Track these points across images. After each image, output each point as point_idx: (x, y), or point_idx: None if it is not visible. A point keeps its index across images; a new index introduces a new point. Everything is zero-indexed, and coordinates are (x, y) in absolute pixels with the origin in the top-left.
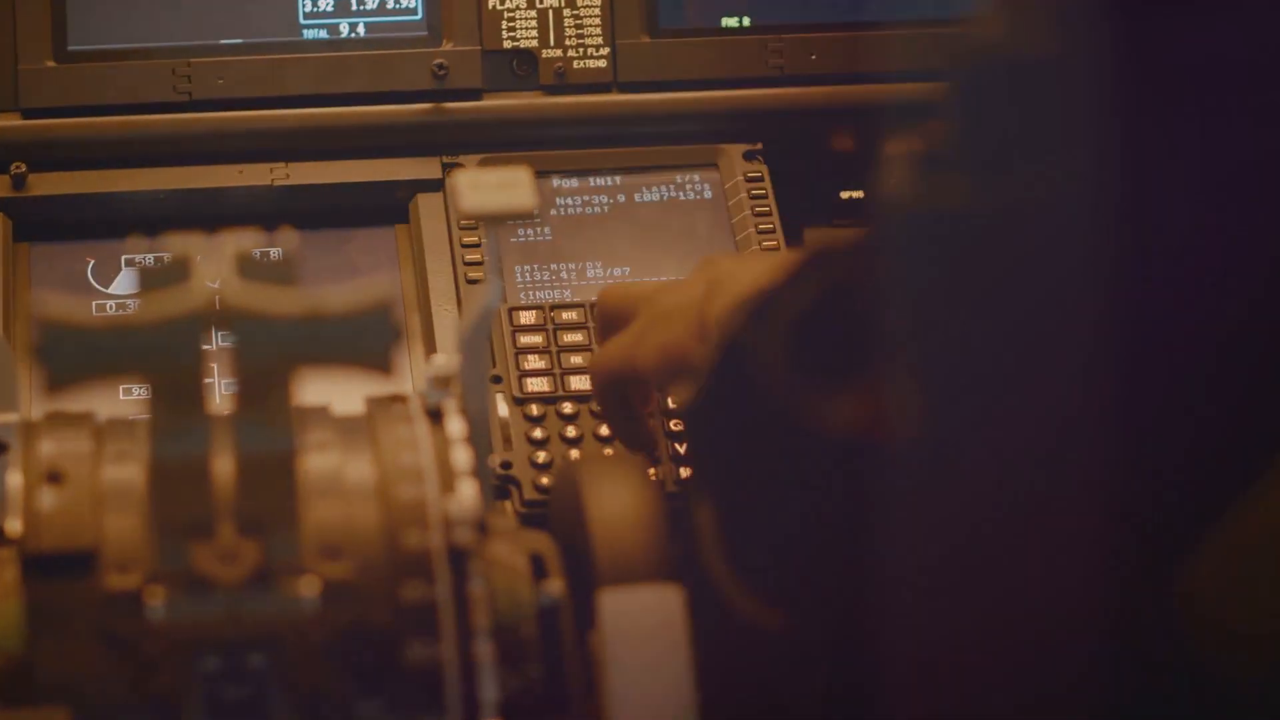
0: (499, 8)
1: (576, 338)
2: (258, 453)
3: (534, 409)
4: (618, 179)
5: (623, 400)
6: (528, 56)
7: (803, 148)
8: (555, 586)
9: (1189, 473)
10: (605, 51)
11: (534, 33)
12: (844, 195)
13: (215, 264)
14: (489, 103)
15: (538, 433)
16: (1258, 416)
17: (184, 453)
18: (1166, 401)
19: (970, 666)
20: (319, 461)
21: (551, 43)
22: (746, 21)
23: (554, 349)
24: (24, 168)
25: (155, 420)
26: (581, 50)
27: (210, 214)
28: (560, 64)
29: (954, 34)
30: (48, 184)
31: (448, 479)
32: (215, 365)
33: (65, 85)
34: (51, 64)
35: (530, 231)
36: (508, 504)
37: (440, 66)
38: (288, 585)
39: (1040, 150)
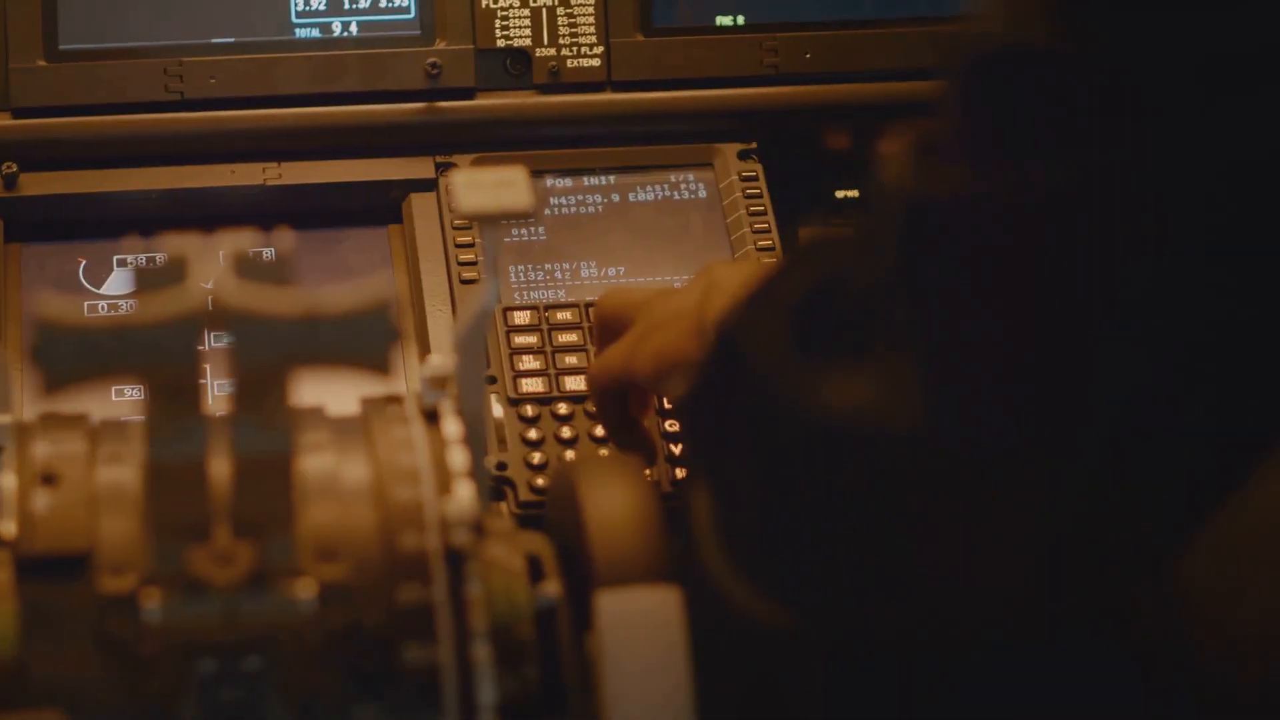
0: (492, 6)
1: (571, 338)
2: (254, 454)
3: (529, 410)
4: (612, 178)
5: (621, 407)
6: (521, 55)
7: (798, 147)
8: (552, 588)
9: (1186, 466)
10: (599, 50)
11: (527, 32)
12: (839, 194)
13: (211, 264)
14: (482, 102)
15: (533, 433)
16: (1254, 411)
17: (180, 454)
18: (1163, 394)
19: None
20: (315, 463)
21: (545, 42)
22: (740, 20)
23: (549, 349)
24: (15, 168)
25: (151, 421)
26: (575, 49)
27: (202, 214)
28: (554, 63)
29: (954, 26)
30: (39, 184)
31: (444, 480)
32: (210, 366)
33: (56, 85)
34: (42, 63)
35: (524, 231)
36: (503, 505)
37: (433, 65)
38: (284, 587)
39: (1039, 140)
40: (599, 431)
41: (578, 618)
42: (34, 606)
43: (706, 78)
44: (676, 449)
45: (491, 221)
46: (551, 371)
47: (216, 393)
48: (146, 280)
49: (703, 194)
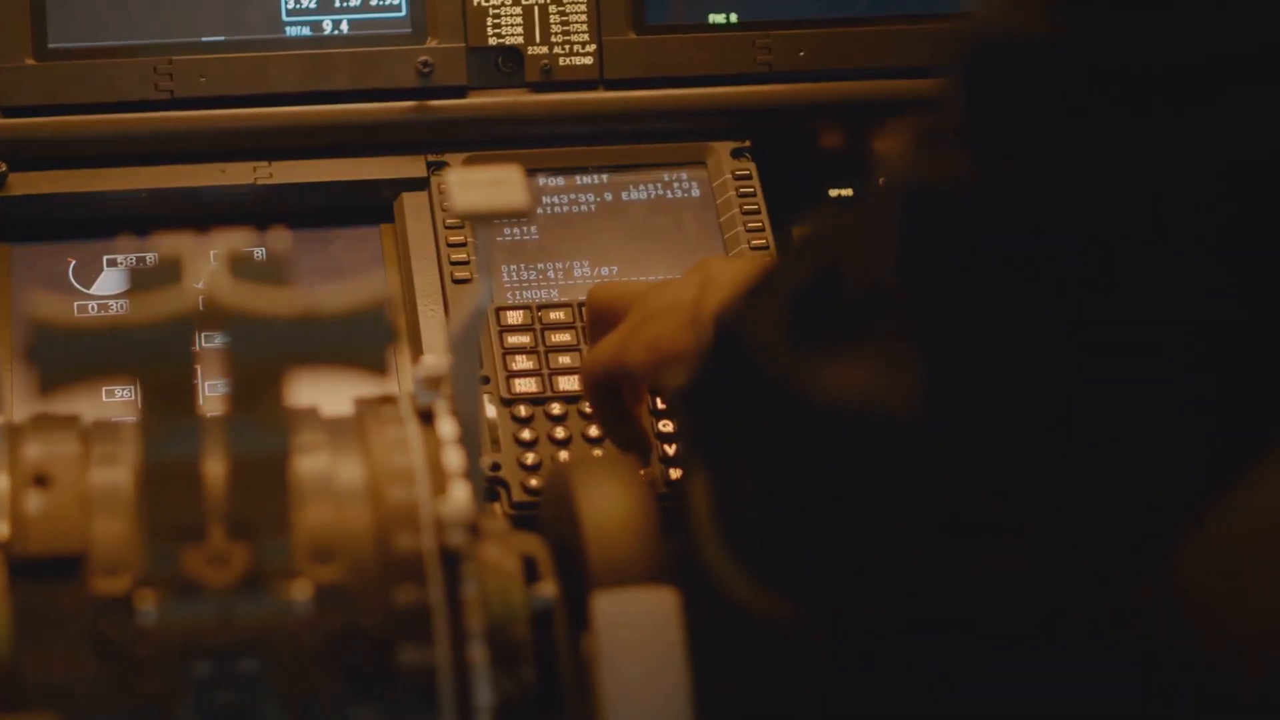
0: (484, 4)
1: (564, 338)
2: (250, 455)
3: (522, 410)
4: (605, 177)
5: (614, 401)
6: (513, 54)
7: (791, 145)
8: (548, 589)
9: (1186, 455)
10: (591, 48)
11: (519, 29)
12: (833, 193)
13: (205, 264)
14: (474, 100)
15: (526, 434)
16: (1253, 403)
17: (175, 455)
18: (1162, 384)
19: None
20: (310, 464)
21: (537, 39)
22: (734, 18)
23: (542, 349)
24: (4, 167)
25: (146, 422)
26: (567, 47)
27: (192, 213)
28: (546, 61)
29: (955, 19)
30: (28, 184)
31: (439, 481)
32: (203, 366)
33: (45, 84)
34: (31, 62)
35: (517, 230)
36: (496, 506)
37: (425, 64)
38: (279, 588)
39: (1039, 132)
40: (593, 431)
41: (574, 619)
42: (28, 608)
43: (699, 76)
44: (671, 449)
45: (486, 221)
46: (545, 371)
47: (208, 393)
48: (141, 280)
49: (696, 193)
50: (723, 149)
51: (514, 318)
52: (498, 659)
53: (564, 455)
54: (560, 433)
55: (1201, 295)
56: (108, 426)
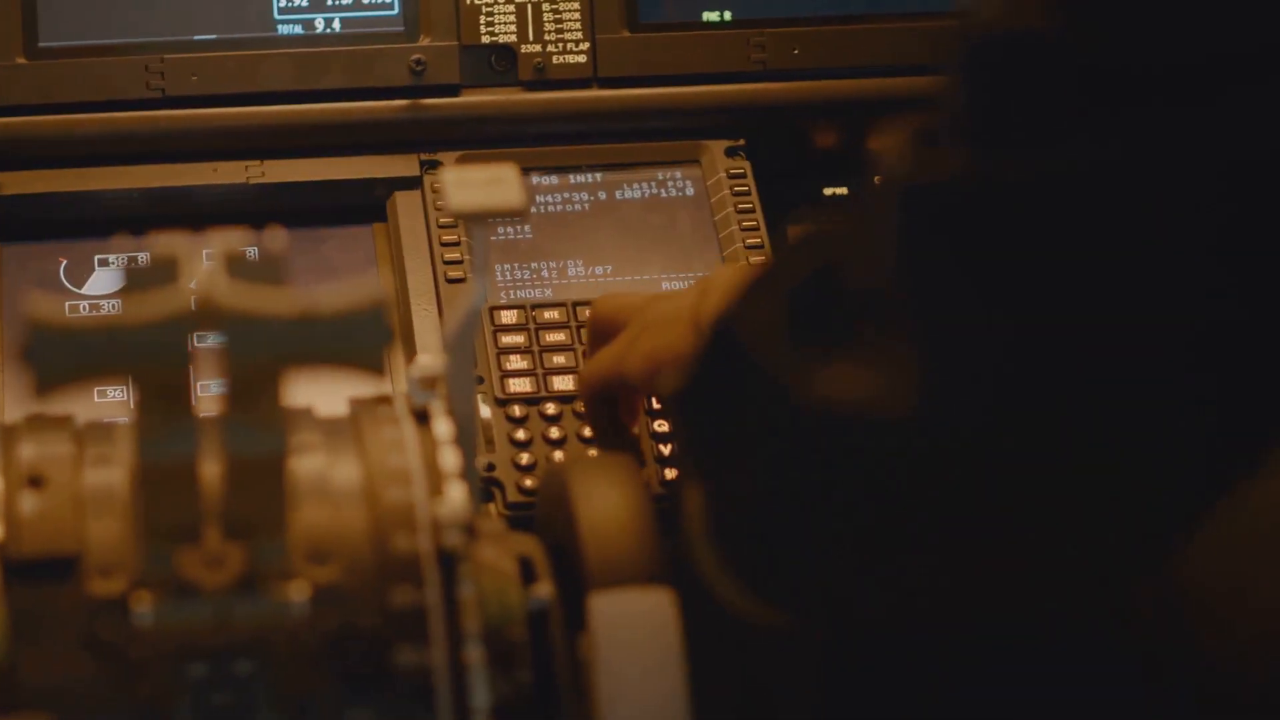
0: (477, 2)
1: (559, 337)
2: (246, 455)
3: (516, 410)
4: (598, 176)
5: (610, 412)
6: (506, 52)
7: (786, 143)
8: (545, 590)
9: (1186, 458)
10: (585, 46)
11: (512, 27)
12: (828, 191)
13: (200, 264)
14: (467, 99)
15: (520, 434)
16: (1254, 402)
17: (170, 455)
18: (1163, 384)
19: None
20: (306, 464)
21: (530, 37)
22: (728, 15)
23: (536, 349)
24: None
25: (142, 422)
26: (561, 45)
27: (185, 213)
28: (539, 59)
29: (954, 15)
30: (19, 183)
31: (436, 481)
32: (199, 366)
33: (36, 82)
34: (22, 61)
35: (510, 230)
36: (490, 507)
37: (418, 62)
38: (276, 590)
39: (1038, 129)
40: (588, 432)
41: (570, 620)
42: (22, 610)
43: (693, 74)
44: (666, 449)
45: (481, 220)
46: (539, 371)
47: (201, 394)
48: (137, 280)
49: (690, 191)
50: (717, 147)
51: (508, 317)
52: (494, 660)
53: (559, 455)
54: (555, 433)
55: (1201, 295)
56: (102, 427)
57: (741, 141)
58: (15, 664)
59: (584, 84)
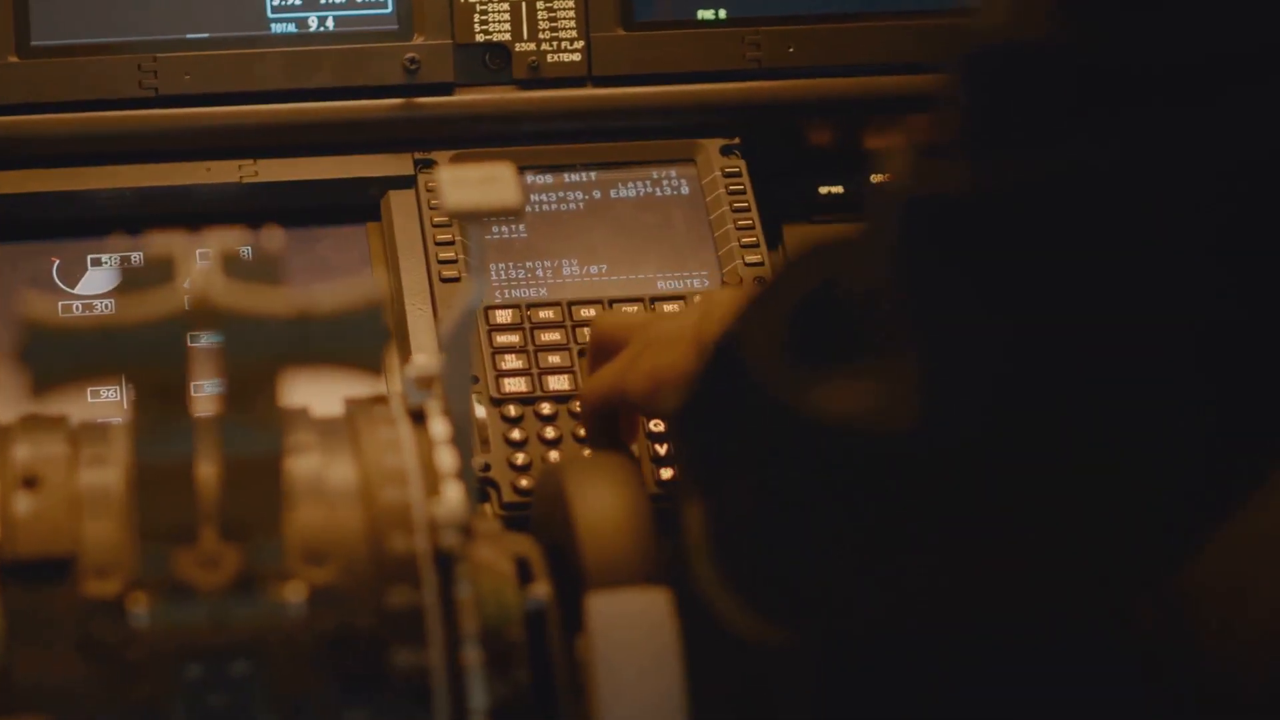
0: (470, 0)
1: (554, 337)
2: (242, 456)
3: (512, 410)
4: (593, 175)
5: (610, 430)
6: (500, 50)
7: (781, 142)
8: (542, 590)
9: (1193, 468)
10: (579, 45)
11: (507, 26)
12: (823, 190)
13: (195, 263)
14: (461, 97)
15: (516, 434)
16: (1258, 407)
17: (166, 456)
18: (1169, 395)
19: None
20: (302, 464)
21: (525, 36)
22: (723, 14)
23: (531, 348)
24: None
25: (138, 422)
26: (555, 43)
27: (178, 212)
28: (534, 57)
29: (956, 20)
30: (10, 182)
31: (432, 482)
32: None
33: (28, 81)
34: (14, 59)
35: (505, 229)
36: (486, 507)
37: (411, 60)
38: (272, 591)
39: (1040, 136)
40: (583, 431)
41: (568, 620)
42: (17, 612)
43: (688, 72)
44: (662, 449)
45: (477, 220)
46: (534, 371)
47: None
48: (133, 280)
49: (685, 190)
50: (712, 146)
51: (503, 317)
52: (492, 661)
53: (554, 455)
54: (550, 433)
55: (1203, 297)
56: (96, 427)
57: (737, 140)
58: (10, 665)
59: (578, 83)
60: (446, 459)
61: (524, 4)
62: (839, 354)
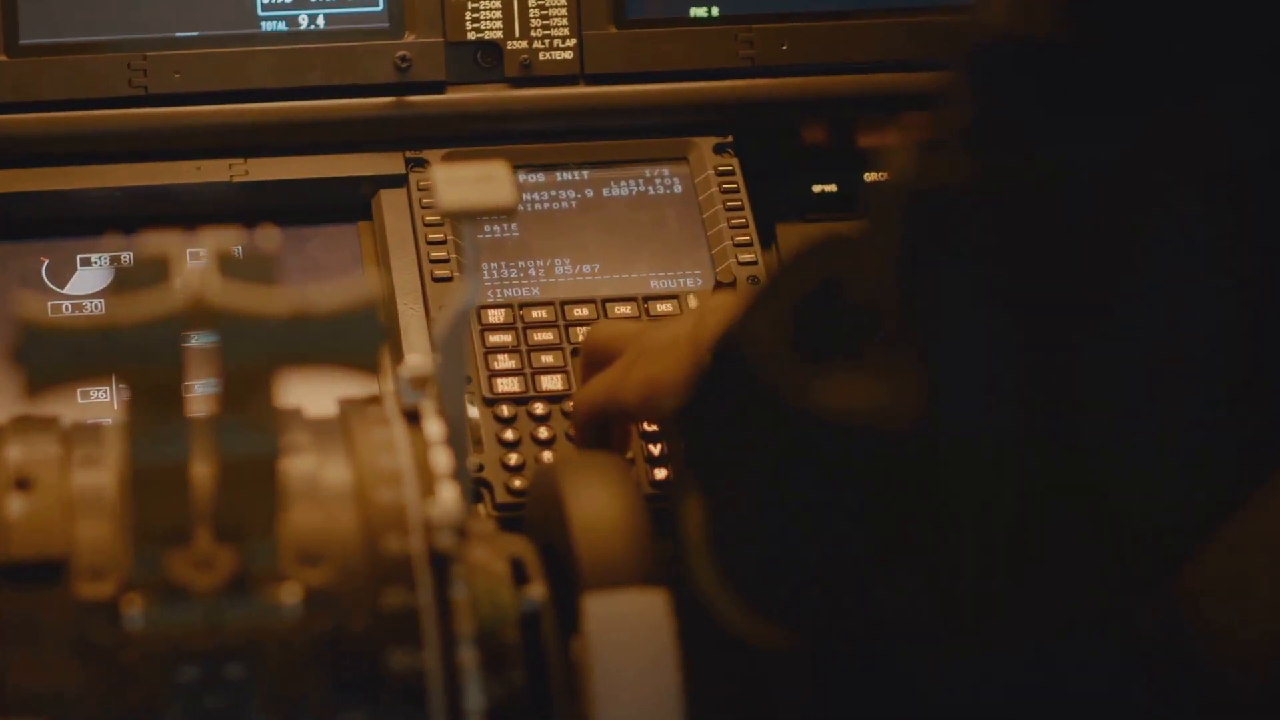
0: None
1: (546, 336)
2: (238, 456)
3: (505, 410)
4: (585, 173)
5: (603, 439)
6: (492, 48)
7: (774, 140)
8: (537, 591)
9: (1197, 464)
10: (571, 43)
11: (498, 24)
12: (817, 189)
13: (191, 263)
14: (453, 96)
15: (509, 434)
16: (1264, 419)
17: (160, 457)
18: (1174, 391)
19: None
20: (297, 465)
21: (516, 34)
22: (715, 11)
23: (524, 348)
24: None
25: (134, 423)
26: (547, 42)
27: (168, 212)
28: (525, 56)
29: (958, 17)
30: None
31: (427, 482)
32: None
33: (17, 80)
34: (3, 58)
35: (497, 228)
36: (479, 508)
37: (403, 59)
38: (267, 592)
39: (1041, 132)
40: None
41: (563, 622)
42: (10, 614)
43: (681, 70)
44: (656, 449)
45: (472, 219)
46: (527, 371)
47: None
48: (128, 280)
49: (678, 189)
50: (705, 144)
51: (495, 316)
52: (487, 663)
53: (548, 455)
54: (544, 433)
55: (1204, 296)
56: (89, 428)
57: (730, 138)
58: (4, 669)
59: (571, 81)
60: (441, 460)
61: (516, 2)
62: (841, 351)
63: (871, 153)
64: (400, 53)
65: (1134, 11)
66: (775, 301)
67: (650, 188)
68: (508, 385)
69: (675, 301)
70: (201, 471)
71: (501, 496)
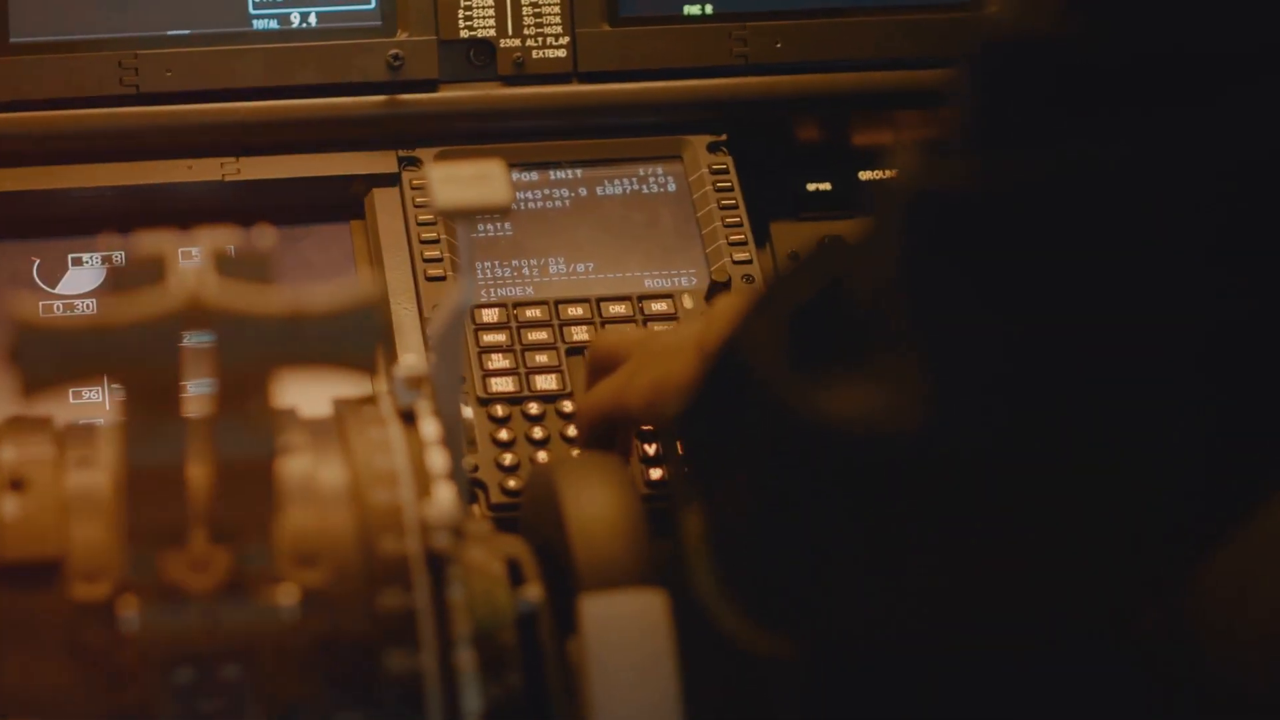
0: None
1: (541, 336)
2: (234, 457)
3: (499, 410)
4: (579, 172)
5: (606, 445)
6: (485, 46)
7: (769, 138)
8: (534, 592)
9: (1196, 476)
10: (565, 41)
11: (491, 22)
12: (811, 187)
13: (186, 263)
14: (445, 94)
15: (503, 434)
16: (1261, 409)
17: (156, 457)
18: (1175, 397)
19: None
20: (293, 466)
21: (509, 32)
22: (709, 9)
23: (518, 348)
24: None
25: (129, 424)
26: (540, 39)
27: (160, 211)
28: (519, 54)
29: (964, 16)
30: None
31: (423, 483)
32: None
33: (7, 78)
34: None
35: (491, 227)
36: (474, 508)
37: (395, 57)
38: (263, 594)
39: (1046, 133)
40: (571, 431)
41: (560, 622)
42: (5, 616)
43: (675, 68)
44: (651, 449)
45: (468, 218)
46: (521, 370)
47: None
48: (123, 279)
49: (672, 187)
50: (699, 143)
51: (489, 316)
52: (485, 664)
53: (542, 455)
54: (538, 433)
55: (1205, 297)
56: (82, 429)
57: (724, 136)
58: None
59: (564, 79)
60: (437, 460)
61: (509, 0)
62: (843, 356)
63: (866, 151)
64: (393, 51)
65: (1138, 11)
66: (777, 307)
67: (644, 186)
68: (502, 385)
69: (670, 300)
70: (197, 472)
71: (496, 497)
